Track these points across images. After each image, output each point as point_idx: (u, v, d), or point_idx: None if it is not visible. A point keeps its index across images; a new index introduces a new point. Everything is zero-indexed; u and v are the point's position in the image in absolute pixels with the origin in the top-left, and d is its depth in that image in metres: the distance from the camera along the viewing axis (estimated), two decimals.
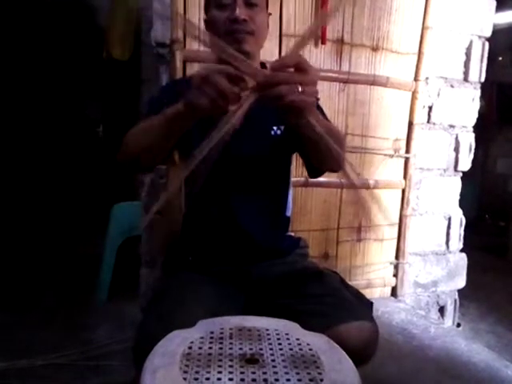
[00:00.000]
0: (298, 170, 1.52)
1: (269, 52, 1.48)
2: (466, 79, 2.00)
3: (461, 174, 2.07)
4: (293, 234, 1.12)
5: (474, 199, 4.15)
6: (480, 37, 1.99)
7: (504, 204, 4.06)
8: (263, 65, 1.01)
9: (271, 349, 0.61)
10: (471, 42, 1.97)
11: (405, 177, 1.89)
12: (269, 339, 0.64)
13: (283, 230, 1.07)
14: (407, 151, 1.88)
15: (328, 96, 1.69)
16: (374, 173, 1.82)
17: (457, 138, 2.02)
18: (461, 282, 2.15)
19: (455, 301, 2.15)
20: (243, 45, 0.89)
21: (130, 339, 0.83)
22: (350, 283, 0.99)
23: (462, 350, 1.51)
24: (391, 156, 1.85)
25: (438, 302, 2.11)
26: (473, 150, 2.06)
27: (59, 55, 3.73)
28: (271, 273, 0.96)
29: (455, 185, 2.07)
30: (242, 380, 0.54)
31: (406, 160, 1.88)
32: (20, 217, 3.31)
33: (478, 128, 2.07)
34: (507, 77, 4.28)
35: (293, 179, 1.15)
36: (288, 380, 0.54)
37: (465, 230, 2.11)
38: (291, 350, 0.62)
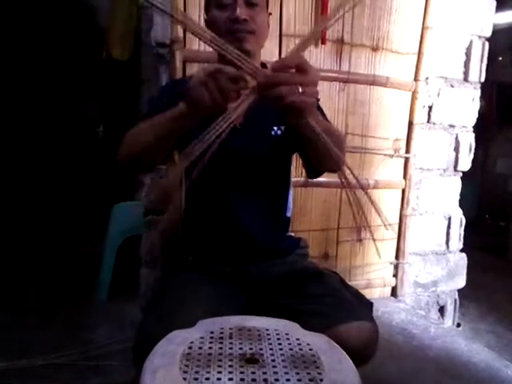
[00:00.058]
0: (298, 170, 1.52)
1: (269, 52, 1.48)
2: (465, 79, 2.00)
3: (461, 174, 2.07)
4: (293, 234, 1.12)
5: (474, 199, 4.15)
6: (480, 37, 1.99)
7: (504, 204, 4.06)
8: (264, 65, 1.01)
9: (271, 349, 0.61)
10: (471, 42, 1.97)
11: (405, 177, 1.89)
12: (269, 339, 0.64)
13: (283, 230, 1.07)
14: (407, 151, 1.88)
15: (328, 96, 1.69)
16: (374, 173, 1.82)
17: (457, 137, 2.02)
18: (461, 281, 2.15)
19: (455, 301, 2.15)
20: (244, 44, 0.89)
21: (129, 339, 0.83)
22: (349, 283, 0.99)
23: (462, 349, 1.52)
24: (391, 156, 1.85)
25: (438, 302, 2.11)
26: (473, 150, 2.06)
27: (59, 55, 3.73)
28: (271, 273, 0.96)
29: (455, 185, 2.07)
30: (242, 380, 0.54)
31: (406, 160, 1.89)
32: (20, 217, 3.31)
33: (478, 128, 2.07)
34: (507, 77, 4.28)
35: (293, 179, 1.15)
36: (288, 380, 0.54)
37: (465, 230, 2.11)
38: (291, 349, 0.62)
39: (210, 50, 0.71)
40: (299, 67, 0.65)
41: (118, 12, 2.62)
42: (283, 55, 1.57)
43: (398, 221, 1.91)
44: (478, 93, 2.04)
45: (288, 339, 0.65)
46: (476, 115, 2.05)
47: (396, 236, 1.93)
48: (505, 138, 4.49)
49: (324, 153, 0.80)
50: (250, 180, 0.97)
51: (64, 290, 2.24)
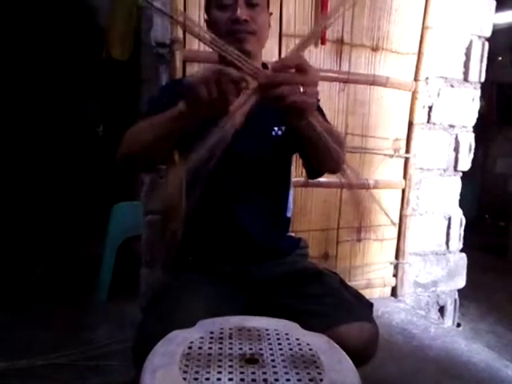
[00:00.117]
0: (298, 170, 1.52)
1: (269, 52, 1.48)
2: (465, 79, 2.00)
3: (461, 174, 2.07)
4: (293, 234, 1.12)
5: (474, 199, 4.15)
6: (480, 37, 1.99)
7: (504, 204, 4.06)
8: (264, 65, 1.01)
9: (271, 349, 0.61)
10: (471, 42, 1.97)
11: (405, 177, 1.89)
12: (269, 339, 0.64)
13: (283, 230, 1.07)
14: (407, 151, 1.88)
15: (328, 96, 1.69)
16: (374, 173, 1.82)
17: (457, 137, 2.02)
18: (461, 281, 2.15)
19: (455, 301, 2.15)
20: (245, 44, 0.89)
21: (129, 339, 0.83)
22: (349, 283, 0.99)
23: (462, 349, 1.52)
24: (391, 156, 1.85)
25: (437, 302, 2.11)
26: (473, 150, 2.06)
27: (59, 55, 3.73)
28: (271, 273, 0.96)
29: (455, 185, 2.07)
30: (242, 380, 0.54)
31: (406, 160, 1.89)
32: (20, 217, 3.31)
33: (478, 128, 2.07)
34: (507, 77, 4.28)
35: (293, 179, 1.15)
36: (288, 380, 0.54)
37: (465, 230, 2.11)
38: (291, 350, 0.62)
39: (210, 50, 0.71)
40: (299, 67, 0.65)
41: (118, 12, 2.62)
42: (283, 55, 1.57)
43: (398, 221, 1.91)
44: (477, 93, 2.04)
45: (288, 339, 0.65)
46: (476, 115, 2.05)
47: (396, 236, 1.93)
48: (505, 137, 4.49)
49: (324, 153, 0.80)
50: (251, 180, 0.97)
51: (64, 290, 2.24)
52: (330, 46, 1.68)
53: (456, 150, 2.03)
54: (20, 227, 3.15)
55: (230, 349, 0.61)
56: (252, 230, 0.95)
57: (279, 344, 0.63)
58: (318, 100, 0.88)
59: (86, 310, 2.01)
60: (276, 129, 0.98)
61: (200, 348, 0.61)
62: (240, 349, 0.61)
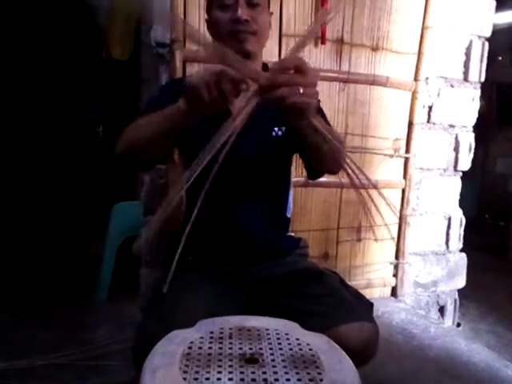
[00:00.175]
0: (298, 170, 1.52)
1: (269, 52, 1.48)
2: (465, 79, 2.00)
3: (461, 174, 2.07)
4: (293, 234, 1.12)
5: (474, 199, 4.15)
6: (480, 37, 1.99)
7: (504, 204, 4.06)
8: (265, 65, 1.01)
9: (271, 349, 0.61)
10: (471, 42, 1.97)
11: (405, 177, 1.89)
12: (268, 339, 0.64)
13: (283, 230, 1.07)
14: (407, 151, 1.88)
15: (328, 96, 1.69)
16: (374, 173, 1.82)
17: (457, 137, 2.02)
18: (461, 281, 2.15)
19: (455, 301, 2.15)
20: (245, 45, 0.89)
21: (129, 339, 0.83)
22: (349, 283, 0.99)
23: (462, 349, 1.51)
24: (391, 156, 1.85)
25: (438, 302, 2.11)
26: (473, 150, 2.06)
27: (59, 55, 3.73)
28: (271, 273, 0.96)
29: (455, 185, 2.07)
30: (242, 380, 0.54)
31: (406, 160, 1.88)
32: (20, 217, 3.31)
33: (478, 128, 2.07)
34: (507, 77, 4.27)
35: (293, 179, 1.15)
36: (288, 380, 0.54)
37: (465, 230, 2.11)
38: (291, 349, 0.62)
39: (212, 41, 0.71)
40: (298, 68, 0.65)
41: (118, 12, 2.62)
42: (283, 55, 1.57)
43: (398, 221, 1.91)
44: (477, 93, 2.04)
45: (288, 339, 0.65)
46: (476, 115, 2.05)
47: (396, 236, 1.93)
48: (505, 137, 4.49)
49: (324, 154, 0.81)
50: (251, 180, 0.97)
51: (64, 290, 2.24)
52: (329, 46, 1.68)
53: (456, 149, 2.03)
54: (20, 227, 3.15)
55: (230, 349, 0.61)
56: (252, 230, 0.95)
57: (279, 344, 0.63)
58: (319, 101, 0.89)
59: (85, 309, 2.01)
60: (276, 129, 0.98)
61: (200, 348, 0.61)
62: (240, 349, 0.61)
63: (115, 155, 0.87)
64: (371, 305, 0.93)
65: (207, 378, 0.54)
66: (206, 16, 0.99)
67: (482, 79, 2.02)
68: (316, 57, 1.66)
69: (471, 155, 2.06)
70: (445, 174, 2.03)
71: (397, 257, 1.94)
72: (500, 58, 4.31)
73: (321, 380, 0.55)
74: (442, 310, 2.13)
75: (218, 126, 0.65)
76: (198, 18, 1.44)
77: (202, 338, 0.64)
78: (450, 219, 2.07)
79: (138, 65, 2.22)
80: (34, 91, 3.73)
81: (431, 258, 2.06)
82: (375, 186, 0.68)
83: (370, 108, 1.78)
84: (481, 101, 2.08)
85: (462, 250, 2.13)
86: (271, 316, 0.73)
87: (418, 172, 1.95)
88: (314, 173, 1.00)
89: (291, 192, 1.09)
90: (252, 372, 0.55)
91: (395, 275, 1.94)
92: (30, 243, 2.91)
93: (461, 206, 2.09)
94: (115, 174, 3.18)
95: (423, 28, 1.80)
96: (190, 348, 0.61)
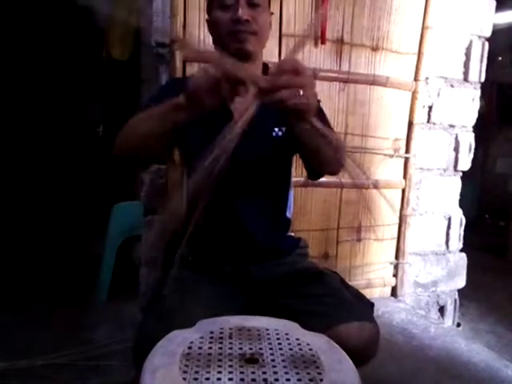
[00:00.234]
0: (298, 170, 1.52)
1: (269, 52, 1.48)
2: (465, 79, 2.00)
3: (461, 174, 2.07)
4: (293, 234, 1.12)
5: (474, 199, 4.15)
6: (480, 37, 1.99)
7: (504, 204, 4.06)
8: (265, 66, 1.01)
9: (271, 349, 0.61)
10: (471, 42, 1.97)
11: (405, 177, 1.89)
12: (268, 339, 0.64)
13: (284, 230, 1.07)
14: (407, 151, 1.88)
15: (328, 96, 1.69)
16: (374, 173, 1.82)
17: (457, 137, 2.02)
18: (461, 281, 2.15)
19: (455, 301, 2.15)
20: (246, 45, 0.89)
21: (129, 339, 0.83)
22: (349, 283, 0.99)
23: (462, 349, 1.51)
24: (391, 156, 1.85)
25: (438, 302, 2.11)
26: (473, 150, 2.06)
27: (59, 55, 3.73)
28: (271, 273, 0.96)
29: (455, 185, 2.07)
30: (242, 380, 0.54)
31: (406, 160, 1.88)
32: (20, 217, 3.31)
33: (477, 128, 2.07)
34: (507, 77, 4.28)
35: (293, 179, 1.15)
36: (288, 380, 0.54)
37: (465, 230, 2.11)
38: (291, 349, 0.62)
39: (210, 50, 0.72)
40: (295, 71, 0.66)
41: (118, 12, 2.62)
42: (283, 55, 1.57)
43: (398, 221, 1.91)
44: (477, 93, 2.04)
45: (288, 339, 0.64)
46: (476, 115, 2.05)
47: (396, 236, 1.93)
48: (505, 137, 4.49)
49: (325, 155, 0.81)
50: (251, 181, 0.97)
51: (64, 290, 2.24)
52: (329, 46, 1.68)
53: (456, 149, 2.03)
54: (20, 227, 3.15)
55: (230, 349, 0.61)
56: (253, 230, 0.95)
57: (279, 344, 0.63)
58: (319, 101, 0.89)
59: (86, 309, 2.01)
60: (276, 130, 0.98)
61: (200, 348, 0.61)
62: (240, 349, 0.61)
63: (113, 151, 0.87)
64: (372, 305, 0.93)
65: (207, 378, 0.54)
66: (206, 16, 0.99)
67: (482, 79, 2.02)
68: (316, 57, 1.66)
69: (471, 155, 2.06)
70: (445, 173, 2.04)
71: (397, 257, 1.94)
72: (500, 58, 4.32)
73: (321, 380, 0.55)
74: (442, 310, 2.13)
75: (218, 126, 0.65)
76: (198, 19, 1.44)
77: (201, 337, 0.64)
78: (449, 219, 2.07)
79: (138, 65, 2.22)
80: (35, 91, 3.73)
81: (431, 258, 2.06)
82: (376, 186, 0.68)
83: (369, 108, 1.78)
84: (481, 101, 2.08)
85: (462, 250, 2.13)
86: (271, 316, 0.73)
87: (418, 172, 1.95)
88: (314, 173, 1.00)
89: (292, 192, 1.09)
90: (252, 372, 0.55)
91: (395, 275, 1.94)
92: (30, 243, 2.91)
93: (461, 206, 2.09)
94: (115, 174, 3.18)
95: (423, 28, 1.80)
96: (189, 348, 0.61)
